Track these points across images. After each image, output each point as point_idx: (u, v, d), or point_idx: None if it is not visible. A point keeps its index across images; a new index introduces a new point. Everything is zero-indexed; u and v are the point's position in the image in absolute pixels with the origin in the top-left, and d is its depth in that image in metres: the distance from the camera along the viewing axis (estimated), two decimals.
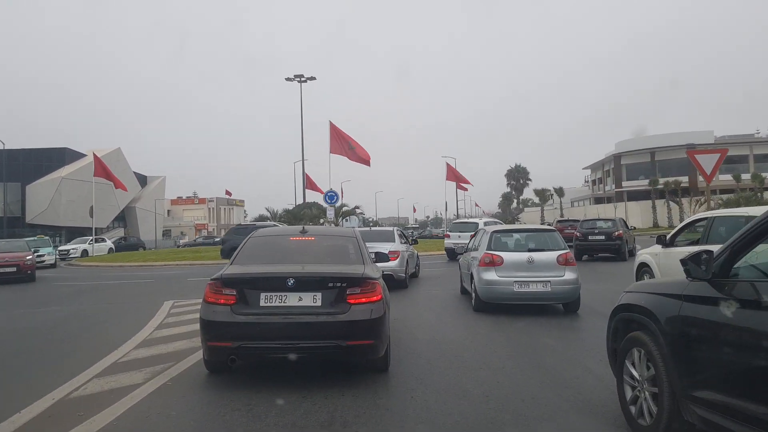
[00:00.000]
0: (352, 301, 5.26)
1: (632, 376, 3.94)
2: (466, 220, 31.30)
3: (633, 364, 3.93)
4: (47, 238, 29.51)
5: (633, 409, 3.94)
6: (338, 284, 5.31)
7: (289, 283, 5.25)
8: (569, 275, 9.41)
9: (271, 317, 5.19)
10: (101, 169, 35.69)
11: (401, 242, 14.80)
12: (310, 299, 5.25)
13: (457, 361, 6.16)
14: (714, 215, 8.97)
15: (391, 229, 16.38)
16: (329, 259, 6.24)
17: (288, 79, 39.69)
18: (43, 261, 26.40)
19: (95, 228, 59.87)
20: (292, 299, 5.25)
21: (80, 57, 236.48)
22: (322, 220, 41.11)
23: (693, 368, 3.30)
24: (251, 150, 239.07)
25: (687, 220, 10.09)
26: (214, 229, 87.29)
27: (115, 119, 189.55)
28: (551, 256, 9.60)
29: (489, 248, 9.95)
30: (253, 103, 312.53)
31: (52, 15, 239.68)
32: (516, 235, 10.85)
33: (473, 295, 10.18)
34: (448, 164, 47.93)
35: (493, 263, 9.61)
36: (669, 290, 3.70)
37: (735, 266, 3.24)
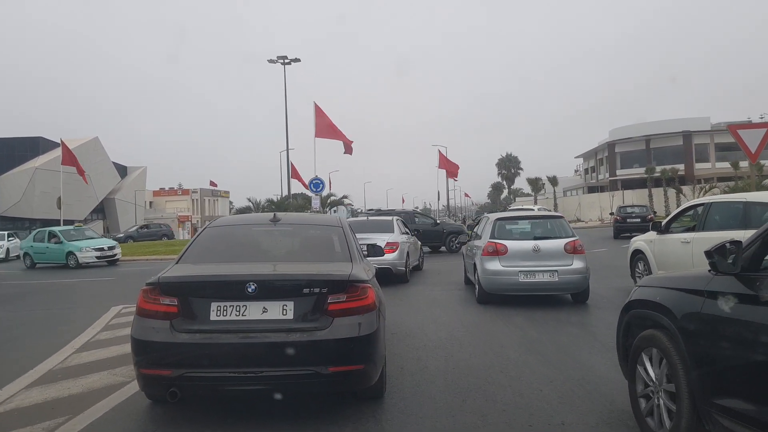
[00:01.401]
0: (334, 310, 3.90)
1: (646, 380, 3.57)
2: (521, 206, 30.68)
3: (647, 366, 3.56)
4: (84, 225, 25.10)
5: (647, 415, 3.56)
6: (316, 290, 3.92)
7: (250, 289, 3.84)
8: (577, 264, 8.85)
9: (226, 336, 3.79)
10: (69, 157, 33.11)
11: (401, 232, 13.30)
12: (279, 310, 3.87)
13: (494, 414, 4.13)
14: (710, 201, 8.74)
15: (390, 218, 14.60)
16: (308, 255, 4.96)
17: (270, 60, 37.27)
18: (115, 256, 22.06)
19: (72, 220, 57.53)
20: (255, 311, 3.86)
21: (62, 46, 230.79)
22: (308, 211, 39.05)
23: (717, 372, 2.95)
24: (239, 141, 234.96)
25: (682, 206, 9.84)
26: (198, 221, 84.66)
27: (98, 110, 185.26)
28: (558, 244, 9.05)
29: (492, 236, 9.36)
30: (244, 94, 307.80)
31: (31, 2, 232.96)
32: (521, 223, 10.13)
33: (476, 285, 9.56)
34: (440, 152, 46.05)
35: (497, 252, 9.07)
36: (689, 285, 3.32)
37: (766, 258, 2.91)
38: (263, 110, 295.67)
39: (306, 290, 3.92)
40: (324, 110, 28.68)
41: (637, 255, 10.06)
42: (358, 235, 11.32)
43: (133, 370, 4.15)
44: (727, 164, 55.42)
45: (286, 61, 37.11)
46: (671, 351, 3.23)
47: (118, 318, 8.78)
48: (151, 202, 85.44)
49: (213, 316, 3.84)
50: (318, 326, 3.84)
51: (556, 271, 8.78)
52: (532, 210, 20.70)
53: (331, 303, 3.91)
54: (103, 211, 68.26)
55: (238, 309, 3.86)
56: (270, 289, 3.91)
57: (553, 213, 11.73)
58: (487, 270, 9.02)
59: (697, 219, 8.70)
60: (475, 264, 9.64)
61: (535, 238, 9.30)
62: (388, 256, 12.03)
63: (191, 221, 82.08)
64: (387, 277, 12.00)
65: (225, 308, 3.86)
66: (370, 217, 16.35)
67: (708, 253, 3.09)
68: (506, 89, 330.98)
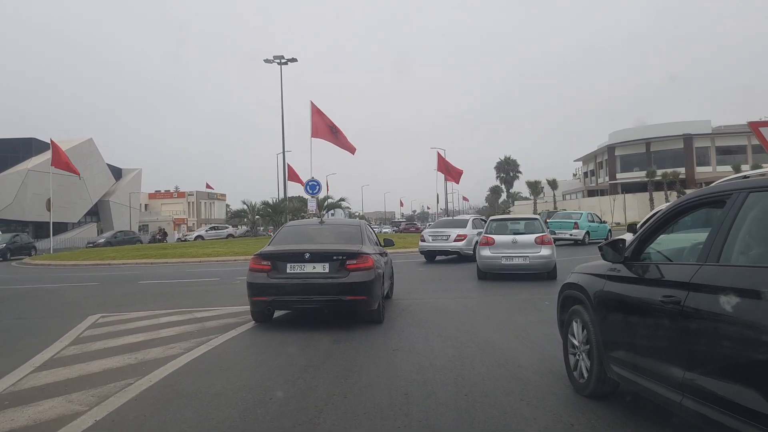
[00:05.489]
0: (350, 268, 7.14)
1: (573, 342, 4.55)
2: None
3: (574, 332, 4.53)
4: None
5: (573, 368, 4.57)
6: (340, 257, 7.24)
7: (306, 257, 7.25)
8: (544, 252, 12.29)
9: (294, 280, 7.20)
10: (58, 159, 32.25)
11: (473, 228, 18.26)
12: (321, 268, 7.20)
13: None
14: None
15: (467, 217, 19.70)
16: (338, 240, 8.14)
17: (267, 60, 36.64)
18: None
19: (66, 223, 56.55)
20: (308, 268, 7.22)
21: (58, 46, 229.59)
22: (303, 214, 38.26)
23: (611, 333, 3.93)
24: (237, 144, 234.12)
25: (654, 210, 11.11)
26: (194, 224, 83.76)
27: (94, 111, 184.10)
28: (530, 237, 12.54)
29: (486, 232, 13.24)
30: (242, 96, 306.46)
31: (24, 2, 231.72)
32: (507, 223, 13.87)
33: (477, 266, 13.27)
34: (438, 154, 45.32)
35: (488, 243, 12.78)
36: (598, 271, 4.26)
37: (645, 251, 3.77)
38: (262, 112, 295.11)
39: (335, 257, 7.26)
40: (322, 111, 27.90)
41: None
42: (442, 229, 19.11)
43: (91, 397, 4.57)
44: (728, 167, 54.89)
45: (283, 60, 36.46)
46: (587, 320, 4.23)
47: (92, 329, 8.00)
48: (146, 205, 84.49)
49: (288, 270, 7.26)
50: (341, 276, 7.15)
51: (527, 256, 12.33)
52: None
53: (349, 264, 7.19)
54: (97, 213, 67.33)
55: (300, 267, 7.25)
56: (316, 257, 7.27)
57: (530, 216, 15.63)
58: (481, 255, 12.87)
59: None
60: (477, 251, 13.54)
61: (515, 233, 12.84)
62: (458, 243, 17.69)
63: (186, 224, 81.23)
64: (458, 257, 18.24)
65: (294, 266, 7.25)
66: (454, 217, 22.83)
67: (599, 247, 4.14)
68: (506, 92, 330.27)
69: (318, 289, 7.13)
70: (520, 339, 6.68)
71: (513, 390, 4.65)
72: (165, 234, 55.03)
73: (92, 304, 10.93)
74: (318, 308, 7.47)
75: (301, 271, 7.21)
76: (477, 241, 15.45)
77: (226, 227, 57.93)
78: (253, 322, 8.07)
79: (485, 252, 12.66)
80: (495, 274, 12.80)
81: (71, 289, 14.75)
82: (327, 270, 7.16)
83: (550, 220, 27.14)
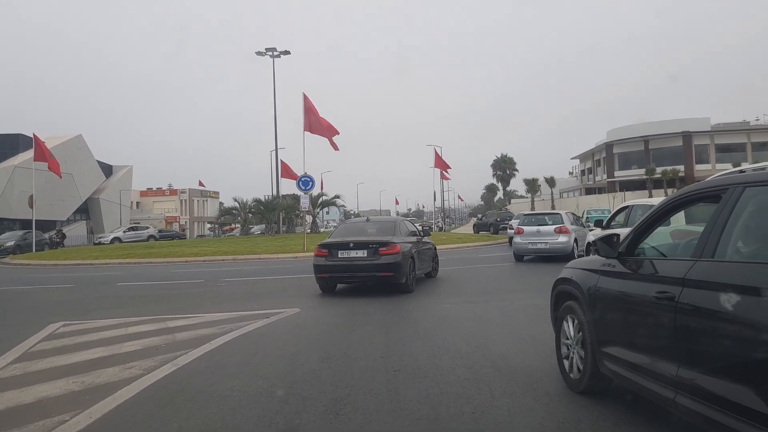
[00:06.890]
0: (382, 253, 9.92)
1: (567, 338, 4.49)
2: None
3: (567, 328, 4.47)
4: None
5: (566, 364, 4.48)
6: (375, 245, 10.05)
7: (351, 246, 10.21)
8: (562, 239, 16.08)
9: (343, 262, 10.16)
10: (41, 153, 31.05)
11: (570, 223, 19.67)
12: (362, 253, 10.08)
13: None
14: (633, 204, 11.53)
15: (561, 212, 21.13)
16: (377, 233, 10.98)
17: (259, 53, 35.62)
18: None
19: (54, 221, 55.26)
20: (353, 254, 10.13)
21: (52, 44, 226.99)
22: (297, 211, 37.26)
23: (604, 329, 3.89)
24: (234, 141, 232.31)
25: (618, 208, 12.32)
26: (186, 222, 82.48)
27: (90, 108, 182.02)
28: (551, 228, 16.35)
29: (519, 224, 17.58)
30: (239, 94, 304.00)
31: (24, 2, 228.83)
32: (535, 217, 17.85)
33: (513, 251, 17.60)
34: (435, 151, 44.37)
35: (518, 232, 17.00)
36: (591, 266, 4.25)
37: (639, 246, 3.73)
38: (260, 111, 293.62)
39: (371, 245, 10.10)
40: (315, 106, 26.79)
41: (591, 246, 12.96)
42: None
43: None
44: (728, 165, 54.12)
45: (276, 53, 35.40)
46: (581, 316, 4.16)
47: (46, 341, 6.96)
48: (138, 203, 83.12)
49: (339, 256, 10.21)
50: (375, 259, 9.94)
51: (548, 242, 16.18)
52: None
53: (381, 250, 9.97)
54: (87, 211, 65.98)
55: (347, 253, 10.18)
56: (358, 246, 10.20)
57: (555, 211, 19.69)
58: (514, 242, 17.31)
59: (624, 217, 11.26)
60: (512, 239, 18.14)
61: (539, 225, 16.66)
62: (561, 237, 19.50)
63: (179, 222, 79.89)
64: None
65: (343, 253, 10.19)
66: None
67: (593, 242, 5.36)
68: (505, 91, 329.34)
69: (359, 268, 10.05)
70: (539, 354, 5.66)
71: (547, 427, 3.66)
72: (63, 236, 44.55)
73: (59, 309, 9.92)
74: (359, 282, 10.87)
75: (348, 256, 10.09)
76: (577, 239, 19.01)
77: (146, 228, 51.17)
78: (233, 333, 7.18)
79: (517, 239, 17.03)
80: (519, 263, 16.79)
81: (43, 291, 13.70)
82: (366, 255, 9.98)
83: (591, 215, 32.78)
